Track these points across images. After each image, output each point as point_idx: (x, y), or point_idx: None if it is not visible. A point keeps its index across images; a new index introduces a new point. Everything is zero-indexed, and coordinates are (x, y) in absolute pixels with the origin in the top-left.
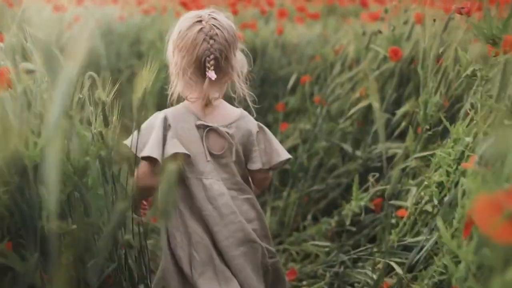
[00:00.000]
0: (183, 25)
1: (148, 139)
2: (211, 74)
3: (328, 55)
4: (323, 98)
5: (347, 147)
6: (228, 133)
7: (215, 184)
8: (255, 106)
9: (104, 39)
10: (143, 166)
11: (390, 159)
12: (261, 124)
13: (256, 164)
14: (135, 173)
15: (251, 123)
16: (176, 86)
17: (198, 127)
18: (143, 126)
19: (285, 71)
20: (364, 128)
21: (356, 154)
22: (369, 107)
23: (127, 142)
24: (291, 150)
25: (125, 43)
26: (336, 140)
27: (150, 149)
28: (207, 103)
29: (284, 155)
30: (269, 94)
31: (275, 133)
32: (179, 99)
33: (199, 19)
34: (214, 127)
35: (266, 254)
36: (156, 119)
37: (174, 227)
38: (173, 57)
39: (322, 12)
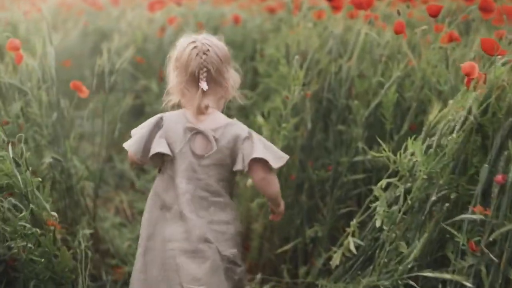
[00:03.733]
0: (179, 48)
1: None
2: (203, 85)
3: None
4: None
5: None
6: (214, 137)
7: (182, 183)
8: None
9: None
10: (129, 153)
11: None
12: (252, 131)
13: (237, 166)
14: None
15: (240, 129)
16: (173, 97)
17: (187, 129)
18: (142, 124)
19: None
20: None
21: None
22: None
23: (128, 144)
24: None
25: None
26: None
27: (130, 143)
28: (200, 112)
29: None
30: None
31: None
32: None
33: (193, 40)
34: (201, 130)
35: (223, 257)
36: (152, 118)
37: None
38: (171, 77)
39: None
